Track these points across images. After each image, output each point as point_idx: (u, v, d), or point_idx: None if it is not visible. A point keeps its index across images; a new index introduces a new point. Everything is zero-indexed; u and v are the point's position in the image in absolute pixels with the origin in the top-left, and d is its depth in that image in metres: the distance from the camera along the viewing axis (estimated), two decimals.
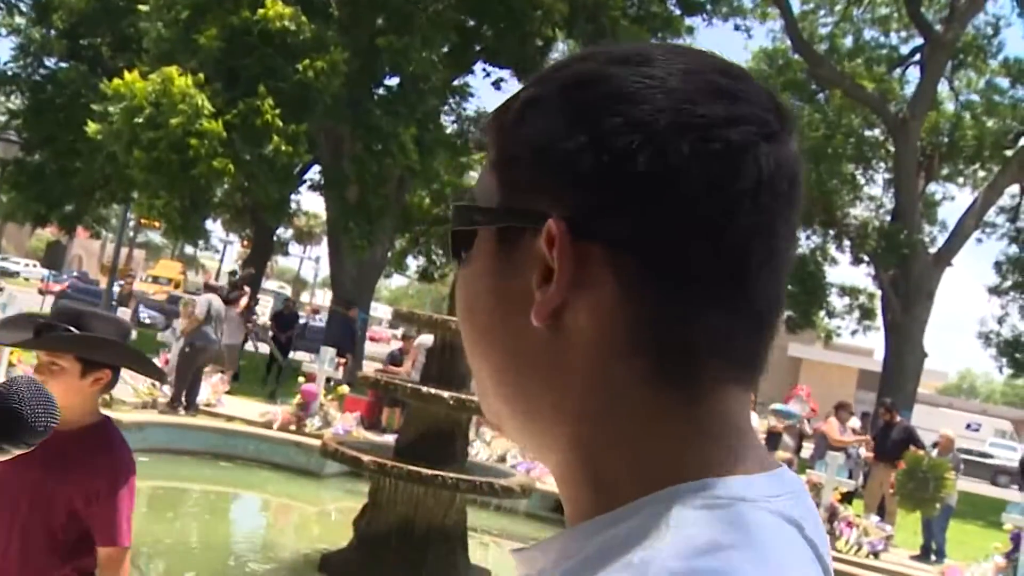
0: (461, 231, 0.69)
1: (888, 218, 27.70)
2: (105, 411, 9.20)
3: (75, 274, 46.96)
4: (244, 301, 16.38)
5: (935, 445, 13.03)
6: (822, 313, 30.80)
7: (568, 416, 0.63)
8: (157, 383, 12.04)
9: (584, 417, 0.63)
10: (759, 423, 13.06)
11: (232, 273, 21.49)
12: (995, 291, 29.99)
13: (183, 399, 11.66)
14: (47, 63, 23.22)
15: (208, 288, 13.73)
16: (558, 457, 0.65)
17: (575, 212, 0.61)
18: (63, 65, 22.71)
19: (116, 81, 15.86)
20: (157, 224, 23.43)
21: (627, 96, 0.62)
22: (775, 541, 0.58)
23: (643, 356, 0.61)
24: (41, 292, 30.90)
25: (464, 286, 0.68)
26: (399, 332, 15.48)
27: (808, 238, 31.84)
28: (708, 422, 0.62)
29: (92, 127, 16.19)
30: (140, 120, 15.37)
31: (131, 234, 59.70)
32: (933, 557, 11.61)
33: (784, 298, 0.66)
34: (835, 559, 9.84)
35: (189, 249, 57.92)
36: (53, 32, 22.45)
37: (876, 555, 10.83)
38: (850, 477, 12.49)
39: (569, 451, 0.64)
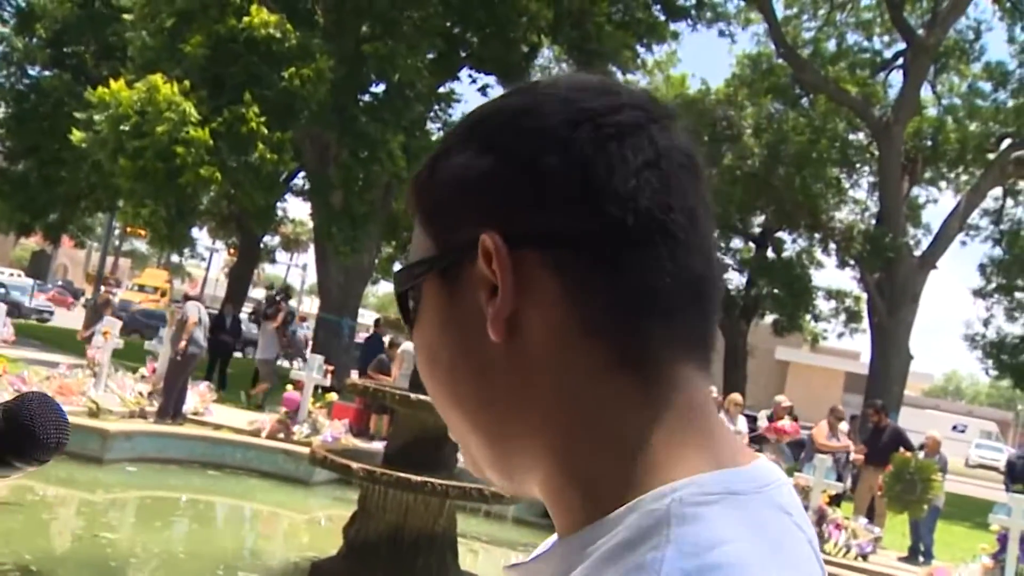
0: (407, 291, 0.71)
1: (873, 221, 27.86)
2: (92, 421, 9.10)
3: (60, 283, 46.74)
4: (281, 317, 16.48)
5: (921, 447, 13.08)
6: (808, 316, 30.93)
7: (541, 425, 0.64)
8: (144, 392, 12.01)
9: (556, 419, 0.64)
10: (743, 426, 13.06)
11: (270, 287, 21.59)
12: (980, 293, 30.20)
13: (170, 408, 11.59)
14: (31, 72, 23.16)
15: (188, 299, 13.69)
16: (541, 474, 0.66)
17: (504, 226, 0.64)
18: (47, 74, 22.67)
19: (101, 89, 15.81)
20: (143, 233, 23.35)
21: (523, 112, 0.66)
22: (774, 530, 0.60)
23: (599, 346, 0.63)
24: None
25: (421, 339, 0.70)
26: (386, 339, 15.42)
27: (794, 241, 32.02)
28: (675, 403, 0.64)
29: (77, 135, 16.13)
30: (126, 128, 15.31)
31: (116, 243, 59.48)
32: (921, 558, 11.66)
33: (719, 277, 0.68)
34: (824, 562, 10.02)
35: (175, 257, 57.69)
36: (36, 41, 22.35)
37: (864, 557, 10.88)
38: (839, 479, 12.53)
39: (550, 463, 0.65)
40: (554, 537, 0.72)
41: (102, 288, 15.52)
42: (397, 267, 0.71)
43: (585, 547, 0.60)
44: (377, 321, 18.86)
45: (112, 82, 15.83)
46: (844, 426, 13.91)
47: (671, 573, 0.54)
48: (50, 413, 0.90)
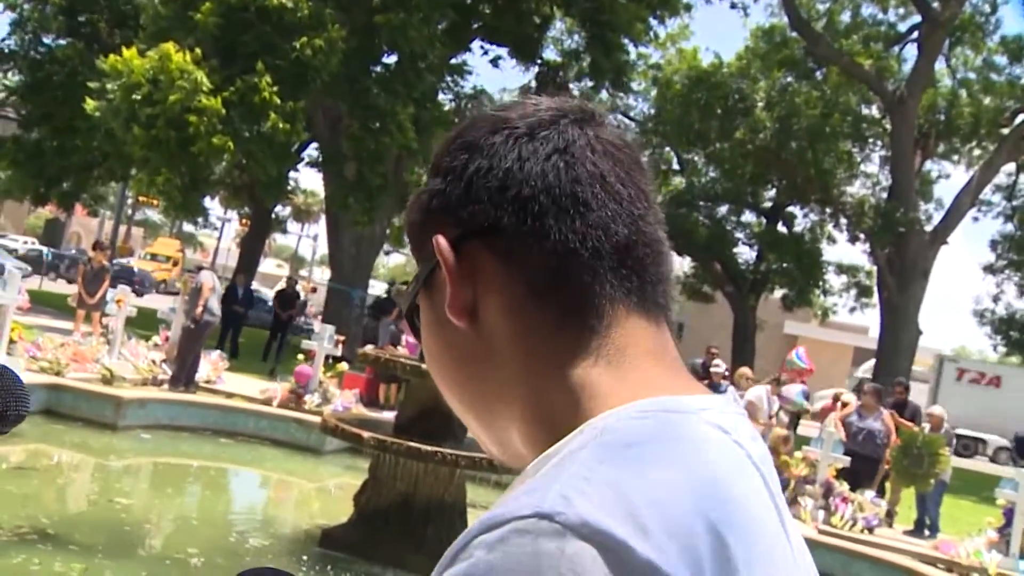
0: (411, 309, 0.82)
1: (884, 196, 27.70)
2: (106, 388, 9.19)
3: (73, 251, 46.92)
4: (396, 311, 16.60)
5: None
6: (818, 291, 30.82)
7: (511, 387, 0.75)
8: (157, 360, 12.11)
9: (521, 378, 0.74)
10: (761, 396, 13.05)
11: (391, 283, 21.68)
12: (990, 269, 30.07)
13: (183, 376, 11.69)
14: (45, 40, 23.05)
15: (201, 269, 13.74)
16: (518, 429, 0.76)
17: (449, 228, 0.76)
18: (61, 42, 22.55)
19: (113, 58, 15.79)
20: (155, 202, 23.44)
21: (458, 135, 0.80)
22: (695, 436, 0.67)
23: (544, 307, 0.74)
24: None
25: (424, 345, 0.81)
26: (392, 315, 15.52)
27: (805, 216, 31.88)
28: (627, 346, 0.74)
29: (90, 104, 16.14)
30: (138, 97, 15.32)
31: (129, 212, 59.60)
32: (927, 532, 11.71)
33: (656, 241, 0.78)
34: (830, 534, 9.92)
35: (187, 227, 57.87)
36: (50, 9, 22.26)
37: (871, 530, 10.92)
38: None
39: (521, 416, 0.75)
40: None
41: (92, 252, 15.44)
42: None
43: (540, 466, 0.68)
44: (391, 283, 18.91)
45: (124, 50, 15.82)
46: (850, 396, 13.98)
47: (583, 462, 0.63)
48: (10, 385, 0.91)
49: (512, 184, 0.75)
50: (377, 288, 29.91)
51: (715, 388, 10.95)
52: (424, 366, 7.19)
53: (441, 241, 0.75)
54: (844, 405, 13.37)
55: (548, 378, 0.73)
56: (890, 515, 11.74)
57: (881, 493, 12.19)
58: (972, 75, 28.78)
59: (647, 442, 0.65)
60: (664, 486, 0.62)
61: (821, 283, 30.36)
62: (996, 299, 30.11)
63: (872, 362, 27.08)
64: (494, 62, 21.91)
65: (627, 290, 0.75)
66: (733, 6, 25.80)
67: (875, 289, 27.54)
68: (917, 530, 11.71)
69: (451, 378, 0.79)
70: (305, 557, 7.19)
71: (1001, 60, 28.15)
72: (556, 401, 0.73)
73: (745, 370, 13.52)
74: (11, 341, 10.90)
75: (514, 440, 0.77)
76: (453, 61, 20.88)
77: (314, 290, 41.52)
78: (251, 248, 28.21)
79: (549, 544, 0.58)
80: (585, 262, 0.74)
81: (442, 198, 0.78)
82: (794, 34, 27.19)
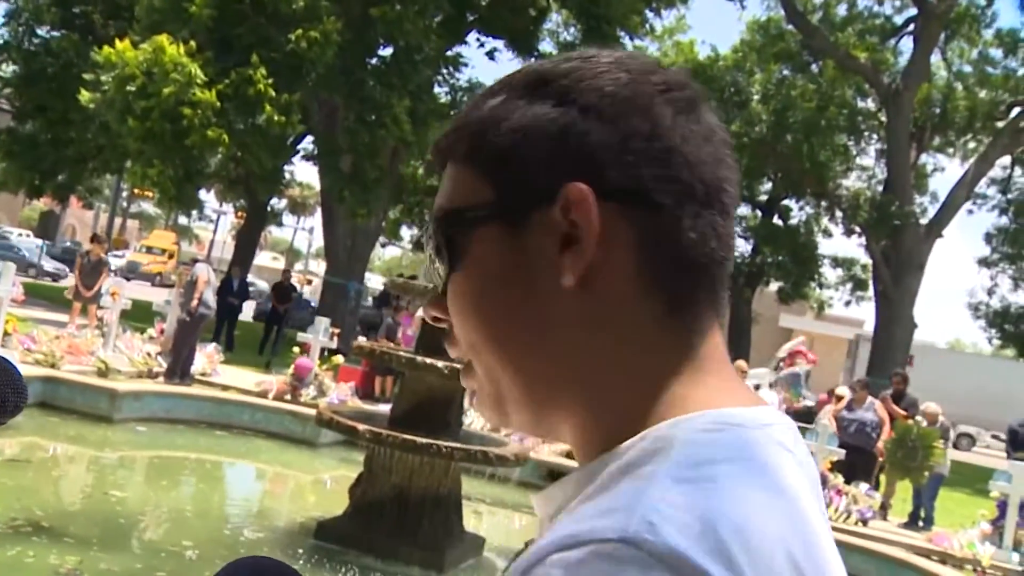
0: (453, 239, 0.72)
1: (880, 189, 27.76)
2: (101, 381, 9.18)
3: (68, 244, 46.87)
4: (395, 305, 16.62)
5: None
6: (814, 284, 30.88)
7: (588, 368, 0.69)
8: (152, 352, 12.11)
9: (602, 363, 0.68)
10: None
11: (400, 275, 21.77)
12: (985, 263, 30.16)
13: (179, 369, 11.69)
14: (39, 32, 22.98)
15: (196, 261, 13.75)
16: (572, 413, 0.70)
17: (589, 178, 0.67)
18: (55, 34, 22.50)
19: (107, 50, 15.77)
20: (150, 194, 23.39)
21: (602, 75, 0.70)
22: (771, 460, 0.64)
23: (658, 297, 0.68)
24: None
25: (467, 287, 0.71)
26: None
27: (801, 208, 31.92)
28: (708, 357, 0.70)
29: (85, 96, 16.12)
30: (132, 89, 15.30)
31: (124, 204, 59.52)
32: (921, 524, 11.76)
33: (733, 244, 0.74)
34: None
35: (183, 220, 57.82)
36: (45, 1, 22.22)
37: (865, 522, 10.97)
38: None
39: (584, 401, 0.69)
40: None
41: (90, 245, 15.46)
42: (438, 207, 0.74)
43: (598, 472, 0.65)
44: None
45: (118, 42, 15.79)
46: (844, 390, 14.03)
47: (663, 483, 0.59)
48: (8, 378, 0.89)
49: (675, 163, 0.69)
50: (373, 281, 29.87)
51: None
52: (420, 359, 7.22)
53: (586, 194, 0.66)
54: (839, 399, 13.42)
55: (631, 371, 0.68)
56: (884, 507, 11.78)
57: (877, 485, 12.24)
58: (968, 68, 28.88)
59: (725, 461, 0.61)
60: (746, 515, 0.59)
61: (816, 276, 30.43)
62: (991, 292, 30.24)
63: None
64: (490, 54, 21.88)
65: (718, 295, 0.72)
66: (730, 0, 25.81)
67: (870, 282, 27.61)
68: (912, 522, 11.77)
69: (510, 336, 0.70)
70: (300, 549, 7.19)
71: (996, 53, 28.24)
72: (630, 397, 0.68)
73: (740, 363, 13.54)
74: (6, 333, 10.91)
75: (556, 421, 0.72)
76: (449, 53, 20.85)
77: (309, 282, 41.49)
78: (247, 241, 28.19)
79: (634, 573, 0.55)
80: (704, 264, 0.70)
81: (581, 137, 0.68)
82: (790, 27, 27.23)
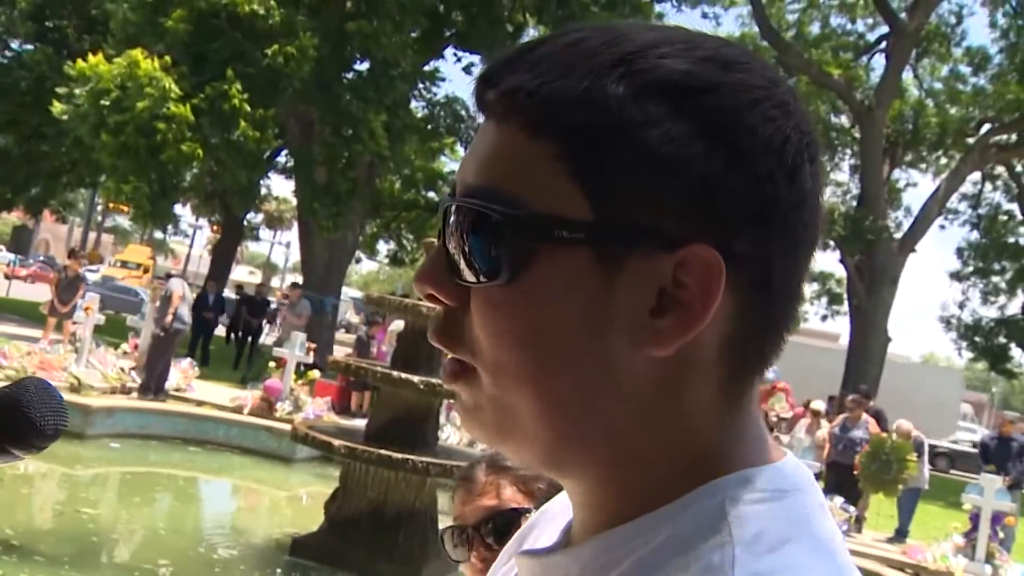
0: (517, 244, 0.58)
1: (854, 204, 28.08)
2: (74, 396, 9.06)
3: (42, 258, 46.48)
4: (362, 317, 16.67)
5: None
6: None
7: (632, 432, 0.60)
8: (125, 368, 12.04)
9: (653, 431, 0.60)
10: None
11: (393, 292, 21.70)
12: (956, 276, 30.56)
13: (153, 384, 11.63)
14: (12, 45, 22.97)
15: (171, 276, 13.71)
16: (600, 476, 0.61)
17: (716, 238, 0.56)
18: (28, 47, 22.44)
19: (81, 63, 15.75)
20: (125, 208, 23.29)
21: (743, 101, 0.58)
22: (824, 530, 0.59)
23: (724, 368, 0.60)
24: (7, 277, 30.61)
25: (517, 307, 0.58)
26: (358, 318, 15.71)
27: None
28: (746, 418, 0.62)
29: (57, 107, 16.06)
30: (106, 103, 15.27)
31: (99, 219, 59.16)
32: (892, 536, 11.86)
33: None
34: None
35: (158, 234, 57.49)
36: (17, 13, 22.16)
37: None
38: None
39: (618, 469, 0.60)
40: (548, 522, 0.75)
41: (68, 260, 15.43)
42: (498, 190, 0.58)
43: (630, 541, 0.58)
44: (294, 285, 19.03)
45: (91, 56, 15.76)
46: (819, 404, 14.18)
47: (744, 574, 0.53)
48: (48, 399, 0.88)
49: (799, 239, 0.59)
50: (349, 295, 29.80)
51: None
52: (396, 374, 7.23)
53: (715, 264, 0.56)
54: (815, 413, 13.51)
55: (674, 431, 0.60)
56: (859, 521, 11.86)
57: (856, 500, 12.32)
58: (939, 85, 29.39)
59: (788, 542, 0.55)
60: None
61: None
62: (962, 306, 30.61)
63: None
64: (467, 69, 21.96)
65: (769, 356, 0.63)
66: (704, 16, 26.10)
67: (845, 296, 27.90)
68: (898, 537, 11.82)
69: (553, 373, 0.59)
70: (277, 567, 7.18)
71: (967, 71, 28.74)
72: (662, 458, 0.60)
73: None
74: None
75: (570, 467, 0.62)
76: (426, 68, 20.95)
77: (286, 296, 41.31)
78: (223, 255, 28.12)
79: None
80: (767, 344, 0.61)
81: (727, 194, 0.56)
82: (764, 43, 27.50)
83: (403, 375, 7.17)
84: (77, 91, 15.60)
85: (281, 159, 25.60)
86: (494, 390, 0.61)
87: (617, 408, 0.59)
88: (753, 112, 0.57)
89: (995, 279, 29.99)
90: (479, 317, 0.60)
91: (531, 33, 23.11)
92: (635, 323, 0.57)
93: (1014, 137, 27.28)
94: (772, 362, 0.62)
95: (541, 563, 0.64)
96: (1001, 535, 10.77)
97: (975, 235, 30.18)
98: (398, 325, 11.36)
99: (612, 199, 0.56)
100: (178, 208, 26.39)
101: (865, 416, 12.89)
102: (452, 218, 0.60)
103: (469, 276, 0.60)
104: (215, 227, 39.25)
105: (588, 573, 0.59)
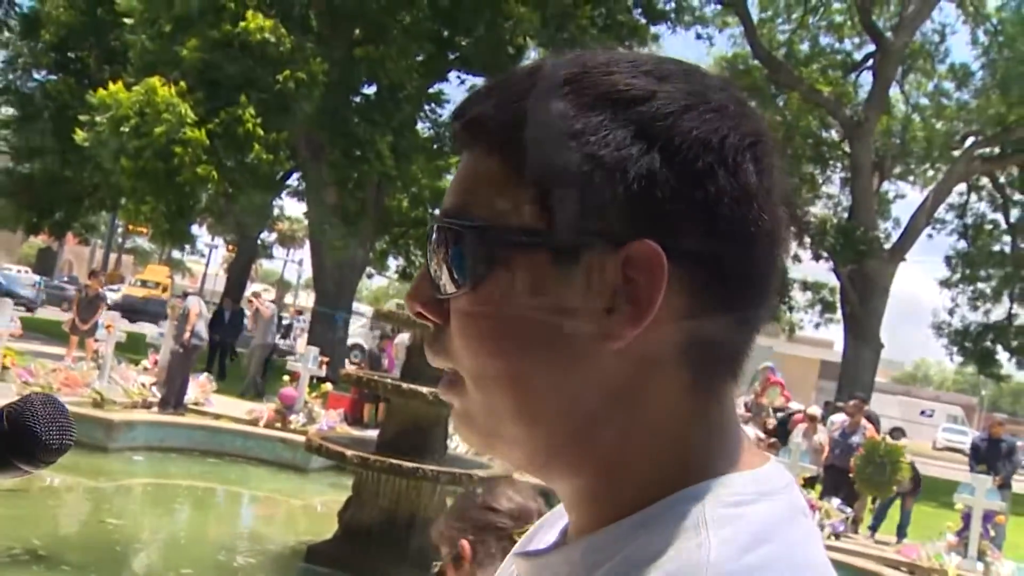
0: (482, 253, 0.62)
1: (845, 215, 28.39)
2: (97, 411, 9.22)
3: (66, 279, 47.03)
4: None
5: (892, 430, 13.48)
6: (784, 307, 31.42)
7: (606, 433, 0.62)
8: (146, 383, 12.35)
9: (625, 431, 0.62)
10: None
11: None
12: (946, 284, 30.82)
13: (172, 399, 11.86)
14: (36, 75, 23.40)
15: (188, 295, 14.06)
16: (581, 481, 0.64)
17: (660, 235, 0.59)
18: (52, 77, 22.87)
19: (101, 92, 16.13)
20: (144, 229, 23.74)
21: (685, 110, 0.61)
22: (801, 532, 0.60)
23: (687, 368, 0.62)
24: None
25: (486, 306, 0.62)
26: (375, 332, 15.95)
27: None
28: (722, 422, 0.64)
29: (80, 135, 16.44)
30: (126, 129, 15.65)
31: (119, 240, 59.71)
32: (871, 533, 12.07)
33: None
34: None
35: (176, 254, 57.90)
36: (41, 46, 22.58)
37: (837, 536, 11.18)
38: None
39: (597, 471, 0.63)
40: (554, 523, 0.75)
41: (88, 280, 15.87)
42: (463, 207, 0.64)
43: (615, 542, 0.60)
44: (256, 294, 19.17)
45: (111, 84, 16.16)
46: (815, 409, 14.50)
47: (719, 571, 0.55)
48: (54, 414, 0.86)
49: (741, 222, 0.60)
50: (360, 310, 30.10)
51: None
52: (405, 385, 7.44)
53: (657, 258, 0.58)
54: (812, 418, 13.78)
55: (650, 433, 0.62)
56: (855, 521, 12.10)
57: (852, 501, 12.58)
58: (924, 100, 29.80)
59: (765, 543, 0.57)
60: None
61: (788, 299, 30.90)
62: (952, 312, 30.85)
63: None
64: (470, 91, 22.28)
65: (741, 364, 0.65)
66: (698, 36, 26.55)
67: (838, 305, 28.21)
68: (897, 536, 12.04)
69: (525, 375, 0.62)
70: (293, 574, 7.32)
71: (950, 86, 29.20)
72: (645, 462, 0.62)
73: None
74: (4, 367, 11.04)
75: (553, 469, 0.65)
76: (430, 91, 21.31)
77: (299, 313, 41.64)
78: (238, 273, 28.38)
79: None
80: (733, 344, 0.64)
81: (663, 187, 0.59)
82: (756, 62, 27.93)
83: (412, 387, 7.23)
84: (98, 119, 15.97)
85: (293, 181, 25.95)
86: (477, 395, 0.64)
87: (588, 412, 0.62)
88: (686, 116, 0.60)
89: (982, 285, 30.23)
90: (455, 327, 0.64)
91: (531, 55, 23.52)
92: (593, 321, 0.60)
93: (997, 149, 27.72)
94: (742, 363, 0.64)
95: (534, 563, 0.66)
96: (992, 533, 10.90)
97: (962, 244, 30.56)
98: (404, 338, 11.61)
99: (561, 204, 0.59)
100: (194, 228, 26.80)
101: (864, 422, 13.18)
102: (431, 238, 0.65)
103: (446, 290, 0.64)
104: (230, 246, 39.65)
105: (576, 573, 0.61)
